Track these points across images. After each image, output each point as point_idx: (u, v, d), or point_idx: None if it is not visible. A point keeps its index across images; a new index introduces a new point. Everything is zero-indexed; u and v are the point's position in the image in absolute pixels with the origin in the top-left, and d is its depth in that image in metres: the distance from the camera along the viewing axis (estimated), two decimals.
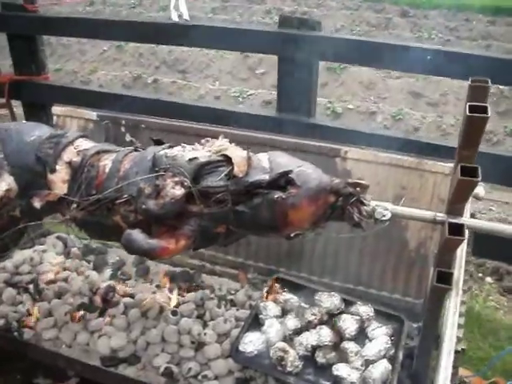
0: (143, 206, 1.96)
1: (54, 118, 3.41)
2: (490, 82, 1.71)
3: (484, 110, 1.58)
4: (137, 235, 1.92)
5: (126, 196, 2.05)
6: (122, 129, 3.13)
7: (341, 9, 11.45)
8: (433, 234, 2.62)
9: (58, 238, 3.35)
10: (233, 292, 2.81)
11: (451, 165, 2.56)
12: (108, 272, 3.00)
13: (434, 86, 7.05)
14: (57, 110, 3.40)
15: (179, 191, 1.92)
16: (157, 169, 2.01)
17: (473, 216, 2.45)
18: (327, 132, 3.21)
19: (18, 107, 4.71)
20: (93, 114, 3.23)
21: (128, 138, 3.10)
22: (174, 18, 6.28)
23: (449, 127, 6.11)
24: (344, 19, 10.56)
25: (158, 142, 2.28)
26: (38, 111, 4.49)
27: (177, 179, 1.94)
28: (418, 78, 7.17)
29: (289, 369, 2.20)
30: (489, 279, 3.89)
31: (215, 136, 2.58)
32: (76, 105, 3.46)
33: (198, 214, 1.97)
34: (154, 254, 1.93)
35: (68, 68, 8.29)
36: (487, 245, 2.47)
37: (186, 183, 1.93)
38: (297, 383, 2.18)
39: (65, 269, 3.06)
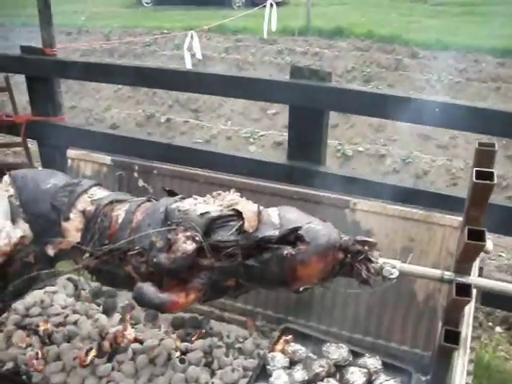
0: (155, 260, 2.00)
1: (69, 161, 3.47)
2: (495, 146, 1.75)
3: (490, 175, 1.62)
4: (148, 289, 1.95)
5: (137, 248, 2.09)
6: (135, 174, 3.18)
7: (351, 50, 11.62)
8: (441, 287, 2.63)
9: (69, 279, 3.37)
10: (241, 340, 2.81)
11: (460, 218, 2.59)
12: (117, 316, 3.00)
13: (443, 128, 7.11)
14: (71, 153, 3.46)
15: (190, 246, 1.95)
16: (169, 222, 2.05)
17: (481, 269, 2.44)
18: (336, 180, 3.25)
19: (33, 146, 4.79)
20: (107, 159, 3.29)
21: (141, 183, 3.15)
22: (187, 58, 6.40)
23: (458, 171, 6.14)
24: (355, 60, 10.70)
25: (171, 193, 2.33)
26: (52, 151, 4.57)
27: (188, 234, 1.98)
28: None
29: None
30: (498, 329, 3.86)
31: (226, 184, 2.65)
32: (90, 146, 3.52)
33: (208, 268, 2.00)
34: (165, 308, 1.96)
35: (83, 105, 8.43)
36: (496, 295, 2.47)
37: (197, 238, 1.96)
38: None
39: (75, 312, 3.07)
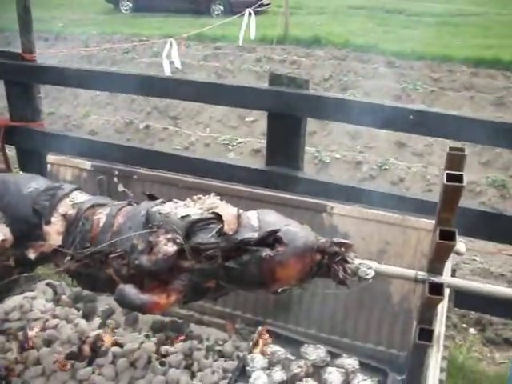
0: (136, 262, 2.04)
1: (48, 166, 3.48)
2: (465, 150, 1.82)
3: (460, 178, 1.69)
4: (129, 290, 1.99)
5: (119, 250, 2.13)
6: (115, 179, 3.20)
7: (329, 59, 11.75)
8: (416, 288, 2.69)
9: (48, 284, 3.38)
10: (221, 342, 2.85)
11: (434, 221, 2.67)
12: (97, 320, 3.02)
13: (418, 136, 7.25)
14: (51, 158, 3.47)
15: (171, 248, 2.00)
16: (150, 225, 2.09)
17: (454, 270, 2.52)
18: (314, 185, 3.31)
19: (10, 152, 4.77)
20: (87, 164, 3.32)
21: (121, 188, 3.17)
22: (166, 65, 6.44)
23: (433, 177, 6.25)
24: (332, 68, 10.83)
25: (152, 197, 2.37)
26: (31, 157, 4.57)
27: (169, 236, 2.02)
28: None
29: None
30: (472, 330, 3.95)
31: (206, 189, 2.69)
32: (69, 152, 3.53)
33: (189, 270, 2.05)
34: (146, 309, 2.00)
35: (61, 112, 8.40)
36: (469, 297, 2.54)
37: (178, 240, 2.01)
38: None
39: (54, 316, 3.08)
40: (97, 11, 20.08)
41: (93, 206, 2.35)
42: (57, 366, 2.70)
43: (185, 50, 11.20)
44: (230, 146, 7.08)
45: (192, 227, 2.05)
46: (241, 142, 7.19)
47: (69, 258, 2.26)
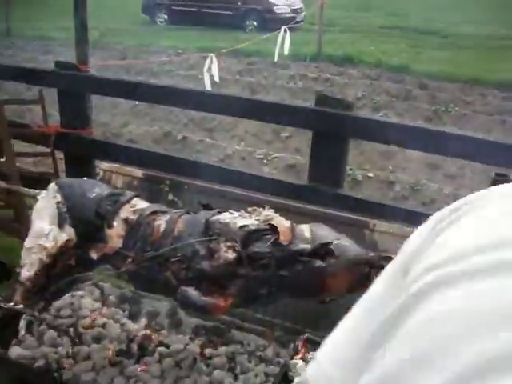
0: (197, 266, 2.19)
1: (101, 172, 3.66)
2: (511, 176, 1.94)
3: None
4: (192, 292, 2.15)
5: (179, 255, 2.29)
6: (166, 188, 3.37)
7: (361, 78, 11.89)
8: None
9: (95, 285, 3.54)
10: (261, 348, 2.98)
11: None
12: (143, 321, 3.17)
13: (451, 159, 7.34)
14: (104, 165, 3.65)
15: (231, 255, 2.15)
16: (210, 233, 2.25)
17: None
18: (355, 203, 3.44)
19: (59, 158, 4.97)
20: (139, 172, 3.49)
21: (170, 197, 3.34)
22: (207, 80, 6.66)
23: None
24: (364, 88, 10.95)
25: (207, 207, 2.53)
26: (79, 163, 4.77)
27: (229, 244, 2.18)
28: None
29: None
30: None
31: (251, 201, 2.84)
32: (117, 160, 3.72)
33: (244, 276, 2.20)
34: (207, 310, 2.15)
35: (100, 120, 8.64)
36: None
37: (236, 248, 2.16)
38: None
39: (102, 315, 3.24)
40: (133, 22, 20.51)
41: (153, 213, 2.52)
42: (106, 361, 2.84)
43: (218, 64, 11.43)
44: (265, 161, 7.24)
45: (249, 237, 2.21)
46: (275, 157, 7.35)
47: (130, 260, 2.43)
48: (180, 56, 11.86)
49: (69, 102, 4.64)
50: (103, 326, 3.13)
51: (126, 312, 3.28)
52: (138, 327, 3.10)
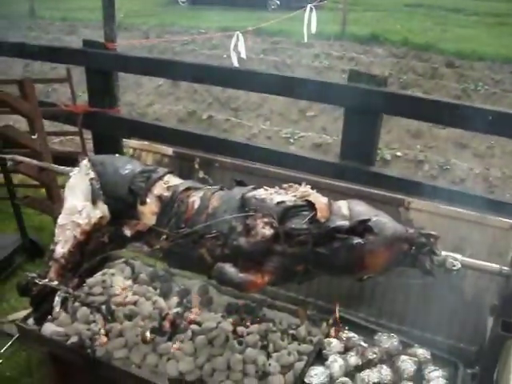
0: (235, 243, 2.16)
1: (130, 150, 3.65)
2: None
3: None
4: (229, 268, 2.12)
5: (214, 232, 2.26)
6: (196, 165, 3.34)
7: (387, 56, 11.70)
8: (490, 285, 2.75)
9: (126, 263, 3.54)
10: (293, 327, 2.95)
11: (511, 221, 2.71)
12: (175, 299, 3.15)
13: (480, 137, 7.19)
14: (133, 143, 3.64)
15: (268, 231, 2.12)
16: (246, 209, 2.22)
17: None
18: (387, 180, 3.38)
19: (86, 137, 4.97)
20: (169, 150, 3.47)
21: (201, 175, 3.31)
22: (234, 58, 6.60)
23: (495, 179, 6.22)
24: (391, 66, 10.78)
25: (241, 184, 2.49)
26: (106, 142, 4.77)
27: (266, 220, 2.14)
28: None
29: None
30: None
31: (284, 179, 2.79)
32: (144, 139, 3.69)
33: (281, 253, 2.16)
34: (244, 286, 2.13)
35: (125, 100, 8.65)
36: None
37: (274, 224, 2.13)
38: None
39: (134, 293, 3.23)
40: (155, 3, 20.45)
41: (187, 189, 2.49)
42: (139, 338, 2.83)
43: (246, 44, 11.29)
44: (291, 140, 7.19)
45: (286, 213, 2.17)
46: (302, 136, 7.29)
47: (164, 237, 2.41)
48: (203, 35, 11.78)
49: (97, 81, 4.63)
50: (135, 303, 3.13)
51: (158, 290, 3.27)
52: (170, 305, 3.10)
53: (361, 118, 3.38)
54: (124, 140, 4.70)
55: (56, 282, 2.55)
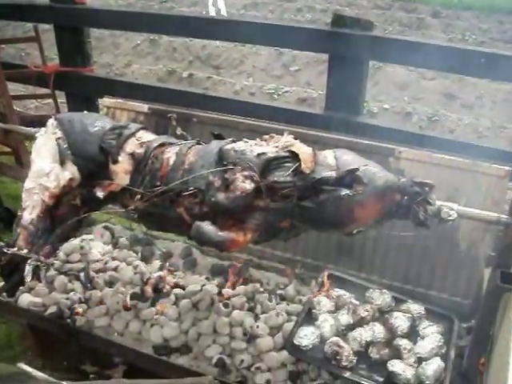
0: (213, 199, 2.01)
1: (104, 109, 3.46)
2: None
3: None
4: (207, 227, 1.97)
5: (192, 188, 2.10)
6: (173, 122, 3.16)
7: (372, 8, 11.39)
8: (484, 236, 2.63)
9: (105, 227, 3.38)
10: (281, 286, 2.84)
11: (507, 168, 2.58)
12: (157, 263, 3.01)
13: (469, 88, 7.02)
14: (107, 101, 3.44)
15: (249, 185, 1.96)
16: (225, 162, 2.05)
17: None
18: (375, 131, 3.21)
19: (60, 98, 4.75)
20: (144, 107, 3.28)
21: (179, 131, 3.13)
22: (212, 13, 6.35)
23: (485, 130, 6.08)
24: (376, 18, 10.44)
25: (219, 137, 2.32)
26: (81, 102, 4.55)
27: (246, 173, 1.98)
28: (453, 79, 7.15)
29: (344, 363, 2.23)
30: None
31: (267, 132, 2.62)
32: (121, 97, 3.49)
33: (264, 209, 2.01)
34: (224, 246, 1.98)
35: (102, 61, 8.34)
36: None
37: (255, 178, 1.96)
38: (352, 377, 2.20)
39: (114, 258, 3.09)
40: None
41: (161, 145, 2.32)
42: (120, 305, 2.70)
43: None
44: (275, 95, 6.98)
45: (268, 165, 2.01)
46: (286, 91, 7.08)
47: (138, 196, 2.25)
48: None
49: (67, 39, 4.39)
50: (115, 269, 2.99)
51: (139, 254, 3.13)
52: (152, 269, 2.96)
53: (346, 65, 3.19)
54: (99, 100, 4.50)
55: (25, 251, 2.41)
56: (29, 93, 5.21)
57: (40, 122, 3.52)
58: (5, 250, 2.40)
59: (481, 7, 11.30)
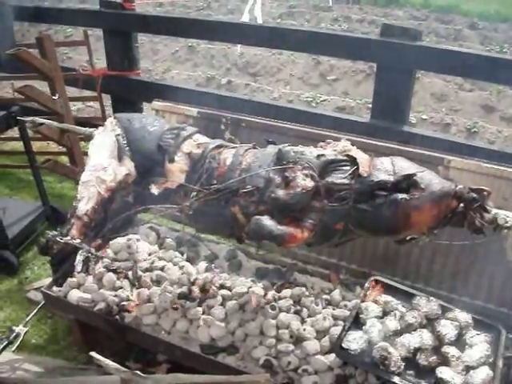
0: (273, 195, 2.04)
1: (153, 112, 3.53)
2: None
3: None
4: (267, 220, 2.01)
5: (249, 187, 2.13)
6: (222, 126, 3.22)
7: (408, 19, 11.36)
8: None
9: (151, 228, 3.44)
10: (326, 291, 2.85)
11: None
12: (203, 264, 3.06)
13: (507, 100, 6.97)
14: (156, 104, 3.51)
15: (310, 183, 1.99)
16: (284, 162, 2.09)
17: None
18: (421, 140, 3.22)
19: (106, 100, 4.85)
20: (193, 111, 3.34)
21: (228, 135, 3.19)
22: (247, 20, 6.40)
23: None
24: None
25: (273, 144, 2.36)
26: (125, 106, 4.64)
27: (306, 172, 2.01)
28: (492, 91, 7.11)
29: (392, 368, 2.24)
30: None
31: (316, 138, 2.65)
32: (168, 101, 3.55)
33: (320, 209, 2.04)
34: (283, 239, 2.01)
35: (142, 66, 8.47)
36: None
37: (315, 177, 2.00)
38: (400, 383, 2.21)
39: (160, 258, 3.14)
40: None
41: (218, 147, 2.37)
42: (168, 304, 2.74)
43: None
44: (313, 104, 7.02)
45: (327, 167, 2.05)
46: (324, 100, 7.11)
47: (194, 193, 2.28)
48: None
49: (115, 43, 4.49)
50: (162, 268, 3.04)
51: (184, 255, 3.17)
52: (199, 270, 3.00)
53: (394, 74, 3.21)
54: (144, 104, 4.58)
55: (78, 241, 2.41)
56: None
57: (87, 124, 3.64)
58: (58, 239, 2.40)
59: None
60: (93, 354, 2.02)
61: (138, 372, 1.97)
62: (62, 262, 2.56)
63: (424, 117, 6.64)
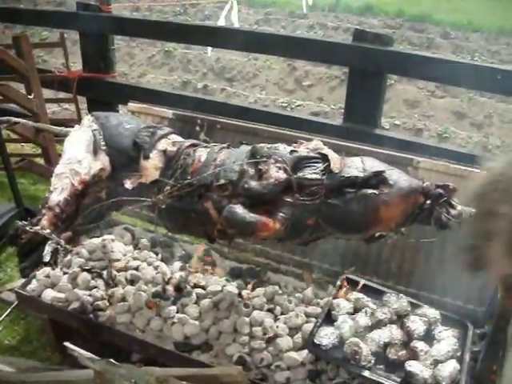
0: (246, 185, 2.09)
1: (129, 114, 3.55)
2: None
3: None
4: (239, 208, 2.05)
5: (223, 180, 2.18)
6: (197, 128, 3.26)
7: (383, 27, 11.53)
8: None
9: (126, 229, 3.45)
10: (300, 290, 2.90)
11: None
12: (177, 264, 3.08)
13: (478, 107, 7.14)
14: (132, 106, 3.54)
15: (283, 175, 2.05)
16: (258, 156, 2.14)
17: None
18: (392, 143, 3.30)
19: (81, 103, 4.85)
20: (168, 112, 3.38)
21: (202, 137, 3.22)
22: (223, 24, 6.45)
23: (494, 148, 6.19)
24: None
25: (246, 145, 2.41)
26: (101, 108, 4.63)
27: (279, 165, 2.07)
28: (463, 98, 7.27)
29: (362, 363, 2.29)
30: None
31: (290, 139, 2.71)
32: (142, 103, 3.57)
33: (292, 204, 2.09)
34: (256, 227, 2.05)
35: (117, 70, 8.47)
36: None
37: (287, 170, 2.06)
38: (370, 376, 2.26)
39: (135, 258, 3.16)
40: None
41: (193, 145, 2.41)
42: (142, 303, 2.76)
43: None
44: (288, 109, 7.10)
45: (299, 162, 2.11)
46: (299, 105, 7.20)
47: (168, 188, 2.31)
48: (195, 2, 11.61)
49: (91, 45, 4.50)
50: (137, 268, 3.05)
51: (159, 255, 3.19)
52: (173, 269, 3.02)
53: (365, 78, 3.29)
54: (120, 106, 4.60)
55: (48, 231, 2.38)
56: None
57: (63, 125, 3.64)
58: (28, 228, 2.37)
59: (489, 29, 11.44)
60: (67, 344, 2.03)
61: (112, 360, 1.98)
62: (30, 252, 2.49)
63: (397, 122, 6.77)
